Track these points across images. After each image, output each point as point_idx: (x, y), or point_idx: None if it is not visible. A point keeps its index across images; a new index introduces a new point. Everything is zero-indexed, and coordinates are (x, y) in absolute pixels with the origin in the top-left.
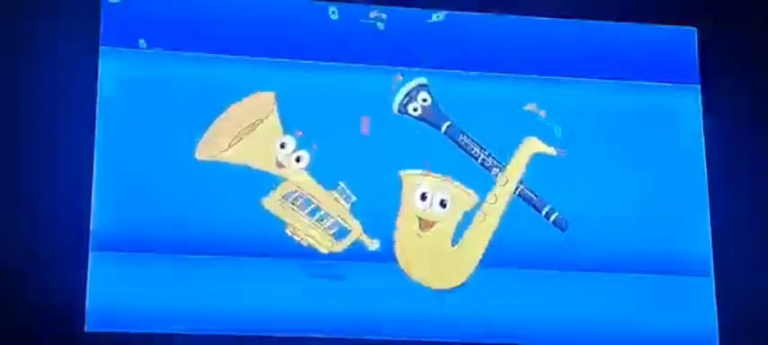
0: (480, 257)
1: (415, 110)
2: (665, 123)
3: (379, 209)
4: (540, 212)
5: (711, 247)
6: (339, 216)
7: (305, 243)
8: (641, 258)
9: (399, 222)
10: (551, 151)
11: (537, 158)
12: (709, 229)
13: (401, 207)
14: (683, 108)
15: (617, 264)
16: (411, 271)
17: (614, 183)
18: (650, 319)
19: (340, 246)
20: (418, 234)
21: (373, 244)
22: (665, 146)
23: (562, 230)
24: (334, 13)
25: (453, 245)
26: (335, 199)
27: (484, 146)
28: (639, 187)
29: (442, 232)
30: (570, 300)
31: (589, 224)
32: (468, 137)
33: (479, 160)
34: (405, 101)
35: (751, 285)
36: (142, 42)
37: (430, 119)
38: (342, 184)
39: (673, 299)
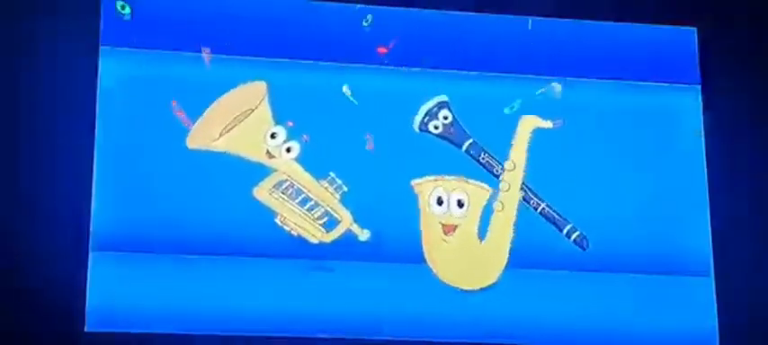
0: (509, 248)
1: (436, 127)
2: (665, 123)
3: (369, 200)
4: (562, 231)
5: (711, 247)
6: (329, 206)
7: (295, 233)
8: (641, 258)
9: (423, 231)
10: (549, 125)
11: (537, 158)
12: (709, 229)
13: (421, 216)
14: (683, 108)
15: (617, 264)
16: (444, 276)
17: (614, 183)
18: (650, 319)
19: (330, 236)
20: (443, 239)
21: (363, 234)
22: (665, 146)
23: (583, 249)
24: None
25: (481, 241)
26: (325, 189)
27: (502, 164)
28: (639, 187)
29: (467, 232)
30: (570, 300)
31: (589, 224)
32: (489, 155)
33: (501, 178)
34: (425, 119)
35: (751, 285)
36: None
37: (451, 136)
38: (332, 174)
39: (673, 299)
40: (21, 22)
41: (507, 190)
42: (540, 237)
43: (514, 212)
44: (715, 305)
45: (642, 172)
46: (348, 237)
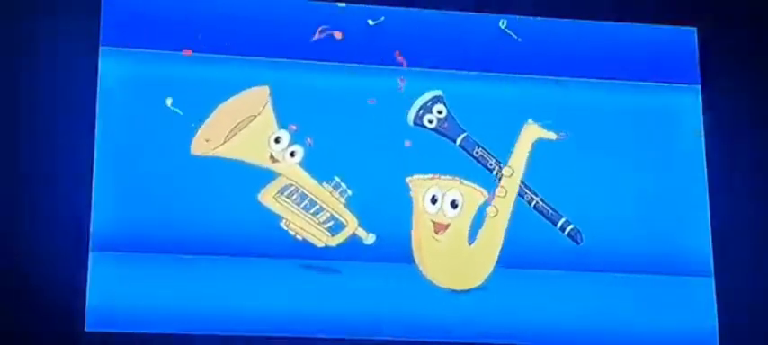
0: (498, 253)
1: (430, 122)
2: (665, 123)
3: (375, 203)
4: (555, 225)
5: (711, 247)
6: (334, 210)
7: (300, 238)
8: (641, 258)
9: (414, 227)
10: (552, 136)
11: (537, 159)
12: (710, 229)
13: (413, 213)
14: (683, 108)
15: (617, 264)
16: (430, 274)
17: (614, 183)
18: (650, 319)
19: (335, 240)
20: (434, 238)
21: (369, 238)
22: (665, 146)
23: (577, 243)
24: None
25: (470, 244)
26: (330, 193)
27: (499, 159)
28: (639, 187)
29: (458, 232)
30: (570, 300)
31: (589, 224)
32: (483, 148)
33: (494, 172)
34: (420, 113)
35: (751, 285)
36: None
37: (445, 131)
38: (337, 178)
39: (673, 299)
40: (21, 22)
41: (503, 196)
42: (540, 237)
43: (507, 219)
44: (715, 305)
45: (642, 172)
46: (353, 241)
